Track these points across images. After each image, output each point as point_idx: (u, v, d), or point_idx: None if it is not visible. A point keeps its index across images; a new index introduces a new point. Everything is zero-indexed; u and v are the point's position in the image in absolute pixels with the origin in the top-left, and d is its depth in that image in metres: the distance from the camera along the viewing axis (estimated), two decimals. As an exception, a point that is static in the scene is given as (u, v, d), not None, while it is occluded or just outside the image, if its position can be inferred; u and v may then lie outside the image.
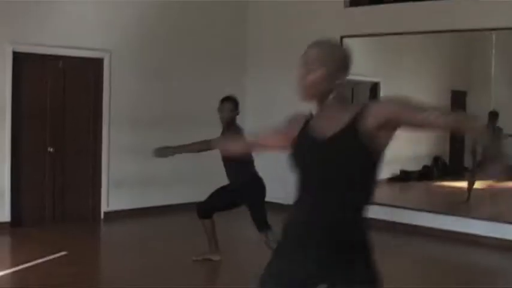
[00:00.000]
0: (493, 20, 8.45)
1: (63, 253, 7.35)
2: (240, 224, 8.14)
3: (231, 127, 6.89)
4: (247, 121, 10.14)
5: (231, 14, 11.05)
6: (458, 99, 10.28)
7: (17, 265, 6.78)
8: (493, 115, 9.13)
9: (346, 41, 9.82)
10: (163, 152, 5.65)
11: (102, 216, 9.49)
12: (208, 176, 8.75)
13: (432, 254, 8.26)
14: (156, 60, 9.93)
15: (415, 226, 9.01)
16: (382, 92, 10.47)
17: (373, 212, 9.39)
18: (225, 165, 6.83)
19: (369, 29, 9.49)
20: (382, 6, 9.50)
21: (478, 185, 9.49)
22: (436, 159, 10.46)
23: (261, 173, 6.96)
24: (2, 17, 8.29)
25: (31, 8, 8.54)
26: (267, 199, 6.96)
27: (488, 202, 9.56)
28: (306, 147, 2.95)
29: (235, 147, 3.89)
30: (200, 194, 9.89)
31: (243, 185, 6.89)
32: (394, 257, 7.89)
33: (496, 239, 8.42)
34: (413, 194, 10.30)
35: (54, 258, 7.13)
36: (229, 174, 6.95)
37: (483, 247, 8.38)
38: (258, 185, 6.92)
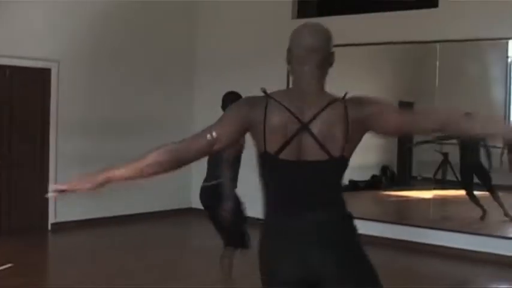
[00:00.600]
0: (437, 32, 8.65)
1: (9, 265, 7.25)
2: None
3: None
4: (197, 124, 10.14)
5: (181, 20, 11.04)
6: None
7: (-38, 278, 6.67)
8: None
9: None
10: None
11: (49, 227, 9.39)
12: (161, 185, 8.78)
13: (382, 262, 8.35)
14: (105, 68, 9.87)
15: (364, 236, 9.09)
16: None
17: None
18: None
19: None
20: (329, 18, 9.55)
21: (427, 194, 9.66)
22: (385, 169, 10.60)
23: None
24: None
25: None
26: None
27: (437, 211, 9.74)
28: None
29: None
30: (152, 204, 9.92)
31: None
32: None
33: (442, 247, 8.59)
34: (362, 203, 10.41)
35: (0, 270, 7.03)
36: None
37: (433, 255, 8.55)
38: None
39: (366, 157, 10.63)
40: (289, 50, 2.93)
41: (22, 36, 8.92)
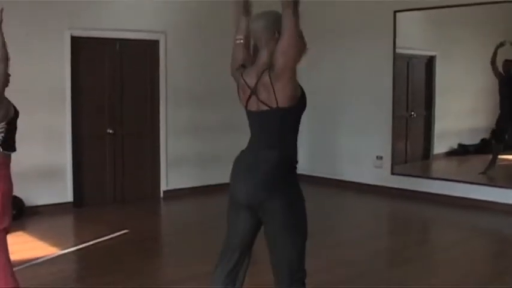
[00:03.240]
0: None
1: (124, 231, 7.54)
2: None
3: None
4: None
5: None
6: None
7: (81, 243, 6.97)
8: (509, 62, 9.33)
9: (399, 15, 9.75)
10: None
11: (161, 195, 9.68)
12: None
13: (489, 226, 8.21)
14: (210, 38, 9.97)
15: (472, 200, 8.96)
16: (438, 66, 10.36)
17: (431, 186, 9.35)
18: None
19: (423, 2, 9.38)
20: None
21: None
22: (495, 132, 10.29)
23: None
24: (60, 3, 8.45)
25: (87, -8, 8.71)
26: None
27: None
28: None
29: None
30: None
31: None
32: (451, 230, 7.88)
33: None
34: (472, 167, 10.20)
35: (116, 236, 7.31)
36: None
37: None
38: None
39: (475, 120, 10.40)
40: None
41: (130, 9, 9.15)
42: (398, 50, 9.90)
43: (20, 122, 4.49)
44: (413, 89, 10.57)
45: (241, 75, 3.57)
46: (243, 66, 3.63)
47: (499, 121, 9.72)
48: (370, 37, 10.10)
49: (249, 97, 3.53)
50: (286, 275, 3.47)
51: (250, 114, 3.59)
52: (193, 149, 9.94)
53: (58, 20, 8.48)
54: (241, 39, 3.66)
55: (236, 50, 3.70)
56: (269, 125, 3.48)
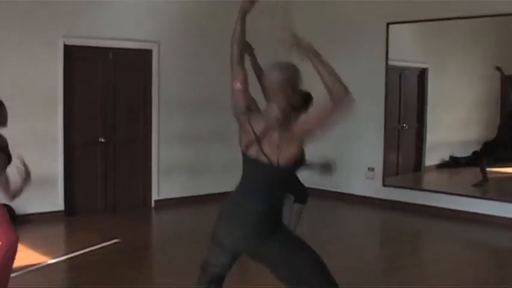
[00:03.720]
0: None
1: (115, 240, 7.51)
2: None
3: None
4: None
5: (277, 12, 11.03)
6: (511, 84, 10.16)
7: (72, 252, 6.95)
8: None
9: (392, 27, 9.78)
10: None
11: (152, 204, 9.66)
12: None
13: (481, 239, 8.22)
14: (203, 48, 9.98)
15: (464, 212, 8.97)
16: (431, 78, 10.40)
17: (422, 198, 9.33)
18: None
19: (416, 14, 9.42)
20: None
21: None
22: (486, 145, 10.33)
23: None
24: (53, 11, 8.45)
25: (81, 1, 8.69)
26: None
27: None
28: None
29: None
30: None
31: None
32: (444, 242, 7.89)
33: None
34: (463, 180, 10.23)
35: (107, 245, 7.29)
36: None
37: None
38: None
39: (467, 133, 10.43)
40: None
41: (123, 19, 9.16)
42: (390, 62, 9.92)
43: (12, 129, 4.50)
44: (406, 101, 10.61)
45: (249, 120, 3.52)
46: (249, 109, 3.60)
47: (493, 143, 9.79)
48: (363, 49, 10.12)
49: (251, 143, 3.50)
50: None
51: (248, 159, 3.57)
52: (185, 158, 9.92)
53: (51, 28, 8.46)
54: (239, 85, 3.64)
55: (237, 97, 3.64)
56: (264, 177, 3.50)
